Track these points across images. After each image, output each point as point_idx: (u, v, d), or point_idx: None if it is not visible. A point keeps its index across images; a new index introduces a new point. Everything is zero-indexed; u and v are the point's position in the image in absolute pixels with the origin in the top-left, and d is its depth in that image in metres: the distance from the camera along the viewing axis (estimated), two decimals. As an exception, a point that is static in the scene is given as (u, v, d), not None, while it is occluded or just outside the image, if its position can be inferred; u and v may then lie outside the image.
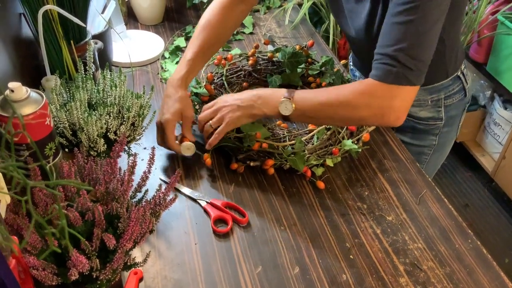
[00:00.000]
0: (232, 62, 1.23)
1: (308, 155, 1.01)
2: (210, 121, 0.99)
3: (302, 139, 1.03)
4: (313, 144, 1.04)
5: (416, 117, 1.19)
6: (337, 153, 1.04)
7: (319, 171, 1.03)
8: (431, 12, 0.85)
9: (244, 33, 1.55)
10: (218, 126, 0.99)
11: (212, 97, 1.13)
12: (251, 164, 1.02)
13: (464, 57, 1.20)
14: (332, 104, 0.93)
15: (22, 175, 0.29)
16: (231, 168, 1.03)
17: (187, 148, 1.01)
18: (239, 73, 1.23)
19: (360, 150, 1.05)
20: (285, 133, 1.07)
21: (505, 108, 2.28)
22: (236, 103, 0.97)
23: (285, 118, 0.96)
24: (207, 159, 1.02)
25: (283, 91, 0.96)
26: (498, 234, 2.22)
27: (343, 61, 1.36)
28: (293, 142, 1.02)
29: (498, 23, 2.09)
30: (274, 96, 0.96)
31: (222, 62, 1.23)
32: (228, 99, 0.99)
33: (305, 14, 1.70)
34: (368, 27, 1.03)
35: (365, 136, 1.09)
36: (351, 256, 0.88)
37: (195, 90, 1.15)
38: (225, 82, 1.18)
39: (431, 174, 1.36)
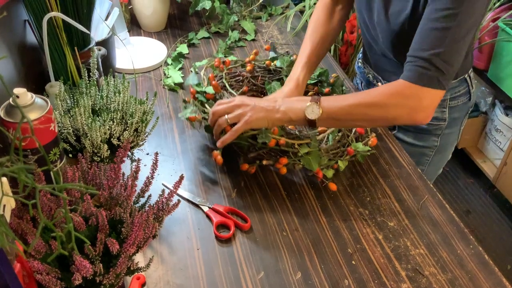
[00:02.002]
0: (229, 67, 1.23)
1: (322, 154, 1.01)
2: (227, 115, 0.97)
3: (316, 137, 1.03)
4: (326, 144, 1.04)
5: None
6: (352, 152, 1.04)
7: (330, 173, 1.03)
8: (467, 20, 0.89)
9: (246, 39, 1.56)
10: (234, 124, 0.96)
11: (216, 97, 1.12)
12: (264, 162, 1.00)
13: (472, 61, 1.21)
14: (362, 104, 0.94)
15: (31, 179, 0.30)
16: (242, 169, 1.02)
17: None
18: (237, 77, 1.23)
19: (369, 153, 1.07)
20: (296, 132, 1.07)
21: (507, 115, 2.28)
22: (260, 104, 0.96)
23: (311, 123, 0.95)
24: (218, 156, 1.00)
25: (308, 98, 0.96)
26: (500, 240, 2.22)
27: (334, 75, 1.35)
28: (308, 140, 1.01)
29: (498, 30, 2.10)
30: (300, 102, 0.96)
31: (221, 66, 1.23)
32: (251, 100, 0.97)
33: (307, 21, 1.71)
34: (396, 17, 1.04)
35: (373, 140, 1.09)
36: (353, 262, 0.88)
37: (198, 89, 1.13)
38: (226, 83, 1.17)
39: (433, 177, 1.37)
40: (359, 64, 1.37)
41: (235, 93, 1.15)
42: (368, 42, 1.23)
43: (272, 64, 1.26)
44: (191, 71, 1.24)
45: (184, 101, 1.12)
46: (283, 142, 0.99)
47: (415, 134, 1.24)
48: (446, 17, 0.88)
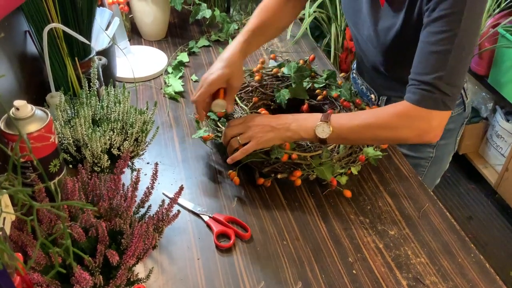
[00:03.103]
0: None
1: (334, 164, 1.02)
2: (239, 137, 0.99)
3: (327, 148, 1.04)
4: (338, 153, 1.05)
5: None
6: (363, 159, 1.06)
7: (343, 179, 1.05)
8: (467, 41, 0.88)
9: (246, 47, 1.56)
10: (246, 143, 0.98)
11: (227, 113, 1.13)
12: (279, 176, 1.02)
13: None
14: (371, 126, 0.95)
15: (28, 198, 0.30)
16: (258, 183, 1.03)
17: (219, 106, 0.99)
18: (246, 89, 1.23)
19: (381, 156, 1.08)
20: (308, 143, 1.08)
21: (507, 120, 2.28)
22: (270, 123, 0.98)
23: (322, 141, 0.97)
24: (235, 177, 1.02)
25: (318, 115, 0.97)
26: (502, 246, 2.21)
27: (342, 74, 1.37)
28: (320, 152, 1.03)
29: (498, 36, 2.10)
30: (310, 120, 0.97)
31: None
32: (262, 120, 0.99)
33: (306, 28, 1.71)
34: (386, 34, 1.04)
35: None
36: (354, 271, 0.88)
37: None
38: (236, 98, 1.18)
39: (430, 187, 1.36)
40: (354, 75, 1.38)
41: (245, 107, 1.15)
42: (360, 55, 1.24)
43: (280, 70, 1.26)
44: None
45: (197, 121, 1.12)
46: (296, 157, 1.01)
47: (409, 145, 1.24)
48: (445, 39, 0.88)
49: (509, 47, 2.05)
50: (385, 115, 0.95)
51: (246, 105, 1.18)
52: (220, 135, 1.06)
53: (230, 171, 1.05)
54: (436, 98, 0.91)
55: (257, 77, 1.24)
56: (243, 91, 1.23)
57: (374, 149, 1.07)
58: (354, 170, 1.06)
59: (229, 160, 0.99)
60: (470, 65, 1.14)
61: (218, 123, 1.11)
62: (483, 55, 2.22)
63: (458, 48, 0.88)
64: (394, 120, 0.94)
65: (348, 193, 1.02)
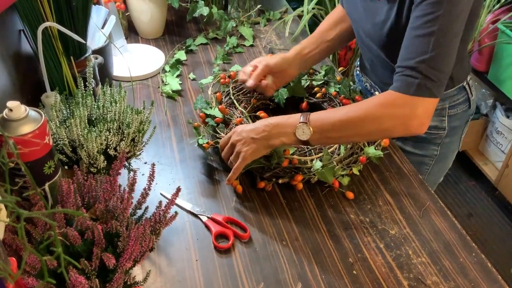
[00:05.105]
0: (235, 79, 1.22)
1: (335, 166, 1.01)
2: (230, 158, 0.99)
3: (328, 151, 1.03)
4: (339, 154, 1.04)
5: None
6: (364, 161, 1.05)
7: (345, 180, 1.03)
8: (451, 24, 0.86)
9: (244, 45, 1.55)
10: None
11: (225, 118, 1.13)
12: (280, 181, 1.01)
13: (470, 69, 1.19)
14: (353, 119, 0.92)
15: (15, 206, 0.29)
16: (258, 187, 1.02)
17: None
18: (244, 89, 1.22)
19: (382, 155, 1.06)
20: (309, 147, 1.06)
21: (507, 117, 2.27)
22: (250, 135, 0.96)
23: (305, 143, 0.94)
24: (237, 186, 1.01)
25: (297, 116, 0.94)
26: (502, 243, 2.20)
27: (341, 68, 1.36)
28: (320, 154, 1.01)
29: (498, 32, 2.09)
30: (289, 122, 0.94)
31: (227, 80, 1.22)
32: (243, 133, 0.97)
33: (305, 25, 1.70)
34: (382, 27, 1.03)
35: (385, 141, 1.09)
36: (354, 271, 0.87)
37: (207, 112, 1.14)
38: (234, 101, 1.17)
39: (433, 186, 1.35)
40: (357, 72, 1.36)
41: (244, 110, 1.14)
42: (362, 52, 1.23)
43: None
44: (201, 92, 1.26)
45: (195, 128, 1.11)
46: (296, 162, 1.00)
47: (414, 143, 1.22)
48: (427, 22, 0.86)
49: (509, 43, 2.04)
50: (367, 106, 0.92)
51: (245, 107, 1.17)
52: (219, 140, 1.05)
53: (234, 181, 1.02)
54: (419, 83, 0.88)
55: None
56: (241, 92, 1.22)
57: (375, 148, 1.06)
58: (355, 170, 1.05)
59: (226, 182, 0.99)
60: (464, 56, 1.12)
61: (216, 129, 1.11)
62: (483, 51, 2.21)
63: (441, 31, 0.86)
64: (376, 110, 0.91)
65: (350, 195, 1.01)
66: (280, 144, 0.96)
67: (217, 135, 1.10)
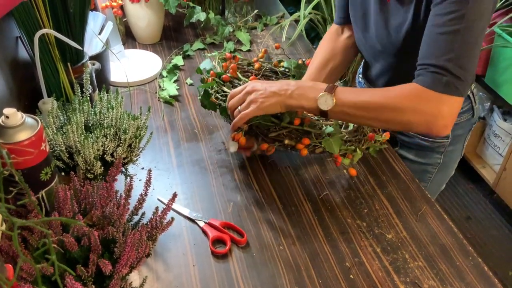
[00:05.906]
0: (239, 62, 1.20)
1: (344, 136, 0.99)
2: (240, 107, 0.95)
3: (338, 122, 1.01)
4: (346, 129, 1.02)
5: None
6: (373, 137, 1.02)
7: (346, 161, 1.00)
8: (476, 22, 0.85)
9: (241, 50, 1.55)
10: None
11: (233, 79, 1.10)
12: (286, 142, 0.97)
13: (474, 77, 1.19)
14: (377, 104, 0.90)
15: (8, 215, 0.29)
16: (261, 148, 0.99)
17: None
18: (245, 74, 1.21)
19: (384, 146, 1.06)
20: (317, 117, 1.03)
21: (505, 120, 2.28)
22: (271, 89, 0.92)
23: (323, 114, 0.92)
24: (241, 138, 0.96)
25: (324, 85, 0.92)
26: (500, 246, 2.21)
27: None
28: (331, 122, 0.99)
29: (495, 35, 2.09)
30: (314, 89, 0.92)
31: (230, 59, 1.20)
32: (262, 85, 0.94)
33: (302, 30, 1.70)
34: (398, 31, 1.01)
35: (386, 133, 1.07)
36: (351, 276, 0.87)
37: (217, 72, 1.10)
38: (238, 73, 1.13)
39: (434, 194, 1.34)
40: (359, 79, 1.35)
41: (247, 80, 1.11)
42: (369, 60, 1.20)
43: (279, 65, 1.24)
44: (207, 57, 1.24)
45: (202, 79, 1.09)
46: (308, 121, 0.96)
47: (417, 151, 1.21)
48: (453, 20, 0.84)
49: (505, 46, 2.05)
50: (393, 96, 0.90)
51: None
52: (224, 99, 1.02)
53: (234, 133, 1.00)
54: (447, 81, 0.86)
55: (256, 65, 1.22)
56: (242, 75, 1.20)
57: (377, 133, 1.04)
58: (356, 156, 1.01)
59: (231, 128, 0.96)
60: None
61: (223, 86, 1.08)
62: (479, 55, 2.21)
63: (467, 30, 0.84)
64: (402, 101, 0.89)
65: (353, 172, 0.99)
66: (297, 107, 0.93)
67: (223, 90, 1.06)
